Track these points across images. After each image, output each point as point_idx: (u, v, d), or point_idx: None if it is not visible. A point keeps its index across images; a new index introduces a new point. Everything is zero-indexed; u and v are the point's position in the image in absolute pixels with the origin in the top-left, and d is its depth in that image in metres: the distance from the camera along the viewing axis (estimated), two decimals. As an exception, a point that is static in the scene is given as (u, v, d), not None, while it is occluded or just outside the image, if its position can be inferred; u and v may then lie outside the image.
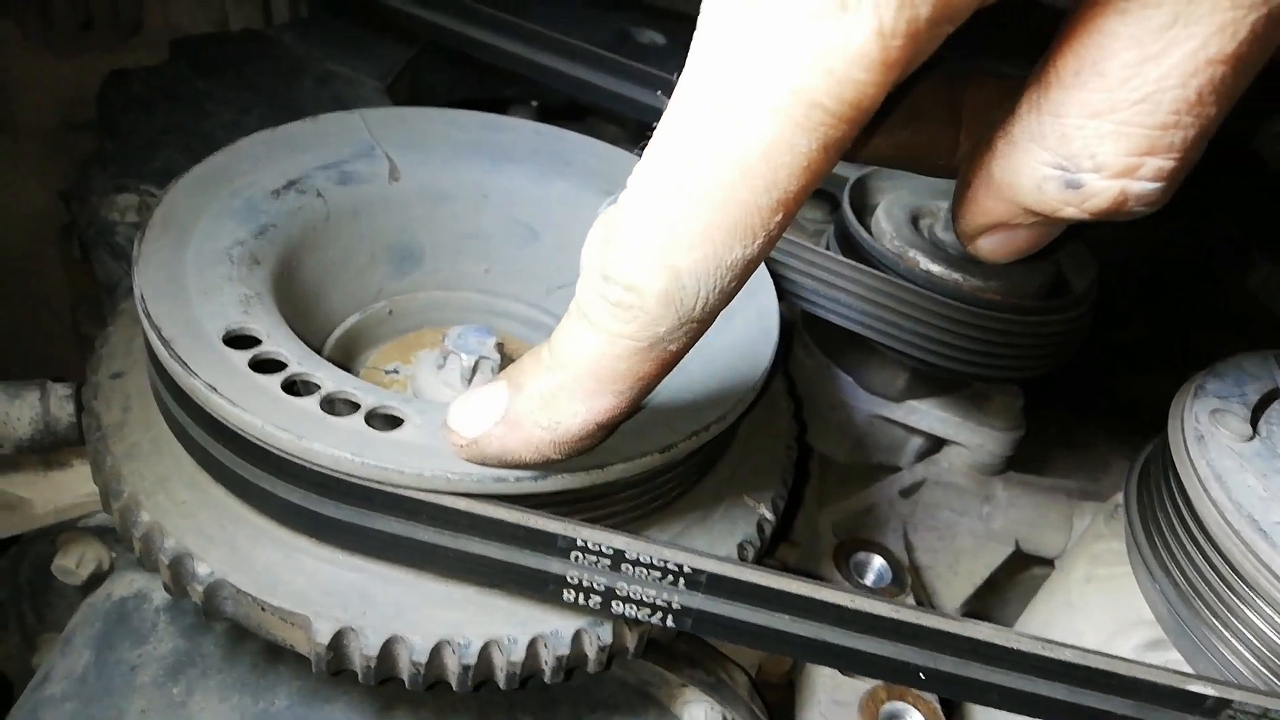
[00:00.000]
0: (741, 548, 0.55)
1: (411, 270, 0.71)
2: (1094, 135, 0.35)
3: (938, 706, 0.60)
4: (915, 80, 0.39)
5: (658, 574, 0.46)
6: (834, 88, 0.32)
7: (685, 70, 0.35)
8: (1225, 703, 0.44)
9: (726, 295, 0.37)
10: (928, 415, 0.79)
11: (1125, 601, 0.59)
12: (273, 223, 0.62)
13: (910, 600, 0.68)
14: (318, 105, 0.97)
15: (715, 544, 0.55)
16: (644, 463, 0.49)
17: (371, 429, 0.48)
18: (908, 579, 0.69)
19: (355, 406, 0.50)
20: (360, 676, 0.49)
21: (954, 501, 0.78)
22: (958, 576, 0.75)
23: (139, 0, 1.16)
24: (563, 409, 0.41)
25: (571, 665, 0.50)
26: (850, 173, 0.79)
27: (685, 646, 0.60)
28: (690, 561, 0.46)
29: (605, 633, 0.50)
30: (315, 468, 0.47)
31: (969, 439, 0.79)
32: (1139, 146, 0.35)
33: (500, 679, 0.49)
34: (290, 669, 0.56)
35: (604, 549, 0.46)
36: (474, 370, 0.61)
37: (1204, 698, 0.44)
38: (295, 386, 0.50)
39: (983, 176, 0.40)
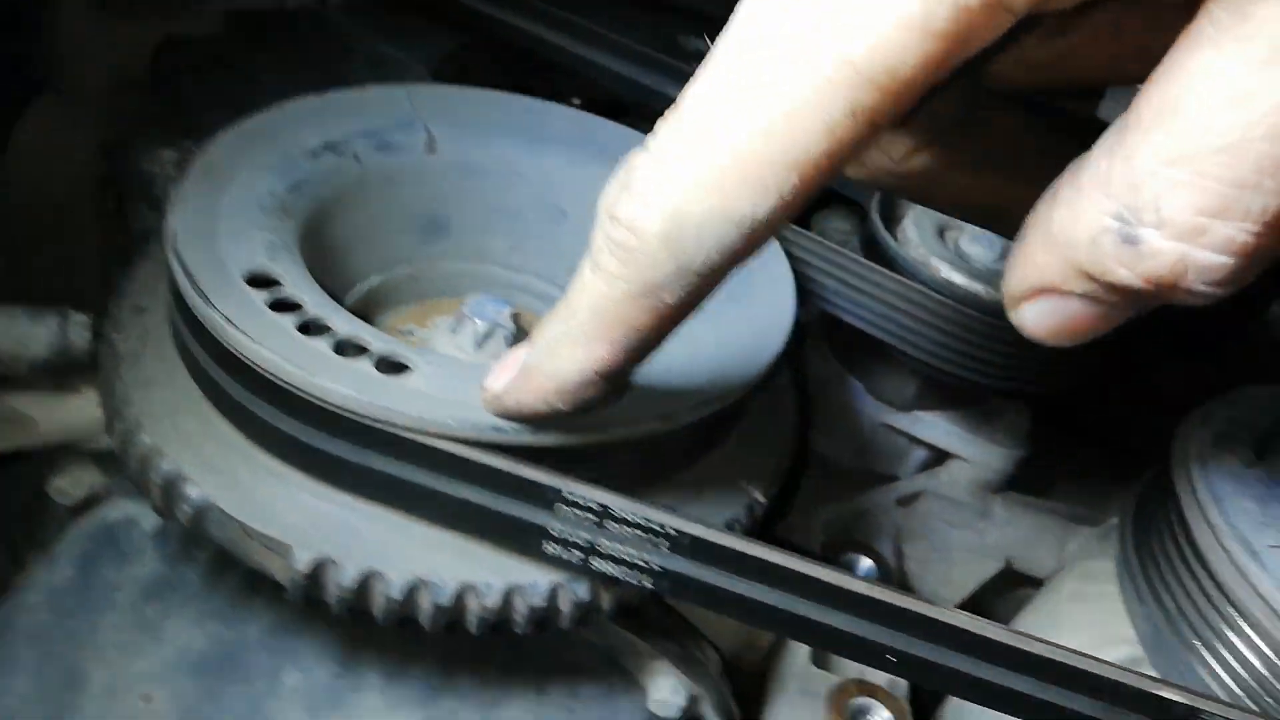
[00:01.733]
0: (729, 525, 0.56)
1: (438, 240, 0.72)
2: (1165, 184, 0.30)
3: (907, 706, 0.60)
4: (973, 70, 0.36)
5: (641, 533, 0.47)
6: (871, 48, 0.31)
7: (729, 22, 0.35)
8: (1194, 712, 0.44)
9: (730, 255, 0.37)
10: (933, 427, 0.79)
11: (1109, 619, 0.59)
12: (307, 179, 0.63)
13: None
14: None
15: (702, 519, 0.56)
16: (644, 428, 0.50)
17: (379, 373, 0.50)
18: (894, 581, 0.69)
19: (365, 351, 0.51)
20: (334, 607, 0.49)
21: (950, 514, 0.78)
22: (946, 587, 0.75)
23: (199, -32, 1.19)
24: (563, 356, 0.42)
25: (544, 617, 0.50)
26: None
27: (659, 617, 0.60)
28: (676, 524, 0.46)
29: (582, 590, 0.51)
30: (322, 405, 0.48)
31: (972, 453, 0.78)
32: (1210, 204, 0.30)
33: (472, 623, 0.50)
34: (265, 603, 0.57)
35: (591, 504, 0.47)
36: (486, 337, 0.62)
37: (1172, 704, 0.43)
38: (310, 328, 0.52)
39: (1040, 225, 0.35)
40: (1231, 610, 0.51)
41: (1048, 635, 0.62)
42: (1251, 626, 0.50)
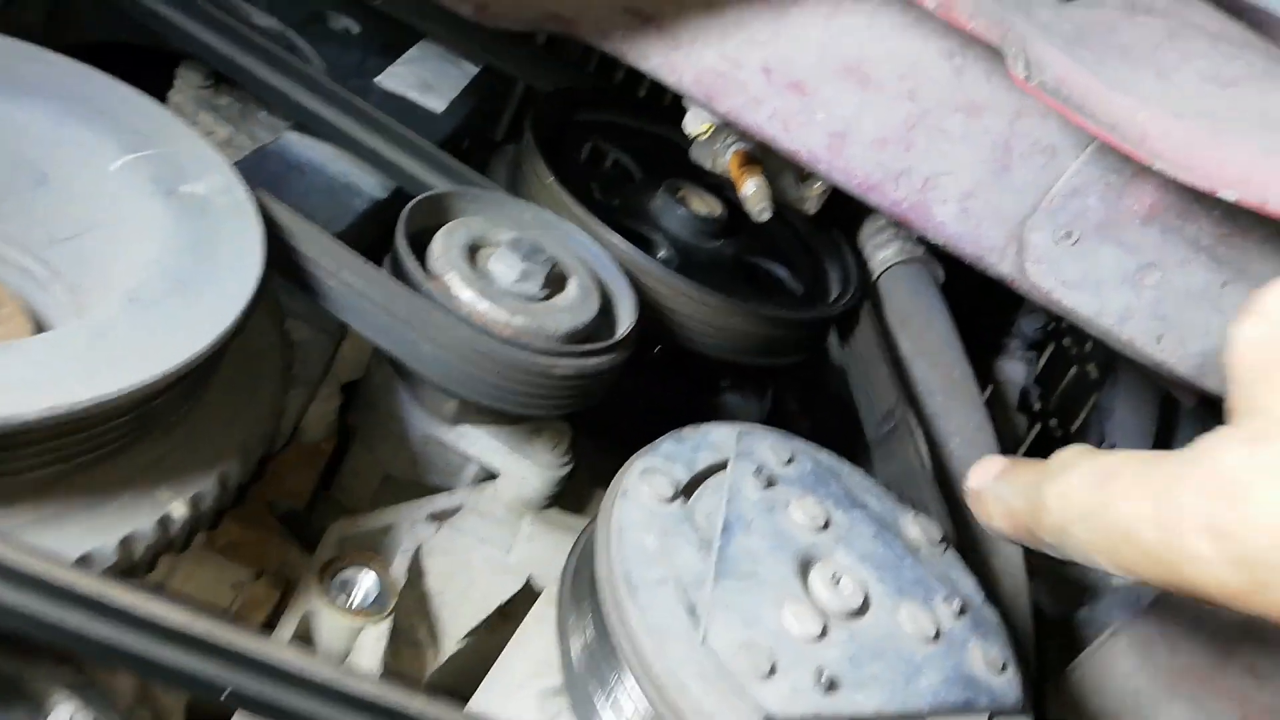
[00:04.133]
0: (127, 539, 0.52)
1: None
2: None
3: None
4: None
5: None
6: None
7: None
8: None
9: None
10: (477, 442, 0.79)
11: (549, 645, 0.60)
12: None
13: (387, 624, 0.68)
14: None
15: (104, 528, 0.52)
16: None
17: None
18: (390, 602, 0.68)
19: None
20: None
21: (484, 531, 0.78)
22: (466, 605, 0.75)
23: None
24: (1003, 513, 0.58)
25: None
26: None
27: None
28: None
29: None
30: None
31: (513, 470, 0.79)
32: None
33: None
34: None
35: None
36: None
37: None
38: None
39: None
40: (610, 644, 0.53)
41: (510, 658, 0.64)
42: (625, 661, 0.52)
